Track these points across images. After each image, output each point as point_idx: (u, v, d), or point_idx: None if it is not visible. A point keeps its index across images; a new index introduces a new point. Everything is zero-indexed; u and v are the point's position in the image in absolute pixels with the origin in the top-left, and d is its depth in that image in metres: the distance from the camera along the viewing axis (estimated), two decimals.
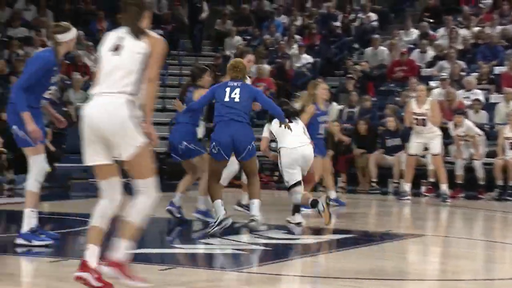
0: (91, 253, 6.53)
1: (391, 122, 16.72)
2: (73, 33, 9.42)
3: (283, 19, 24.29)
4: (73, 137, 18.60)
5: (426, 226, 12.98)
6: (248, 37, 23.80)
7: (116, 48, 6.69)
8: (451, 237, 11.43)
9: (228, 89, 10.71)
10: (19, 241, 9.22)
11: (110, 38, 6.80)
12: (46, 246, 9.25)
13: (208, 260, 9.15)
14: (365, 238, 10.82)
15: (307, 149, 11.63)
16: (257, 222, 10.79)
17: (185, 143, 11.68)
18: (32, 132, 8.99)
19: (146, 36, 6.68)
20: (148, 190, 6.63)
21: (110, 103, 6.58)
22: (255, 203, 10.79)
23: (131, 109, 6.53)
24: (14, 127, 9.17)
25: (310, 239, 10.73)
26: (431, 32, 21.17)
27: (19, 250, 9.05)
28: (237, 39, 23.31)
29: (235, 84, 10.79)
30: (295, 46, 22.14)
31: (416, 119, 14.95)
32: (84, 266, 6.49)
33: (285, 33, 23.29)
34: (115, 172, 6.64)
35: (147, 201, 6.61)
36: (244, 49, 13.66)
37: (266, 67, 20.88)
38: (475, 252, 10.02)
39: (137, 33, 6.68)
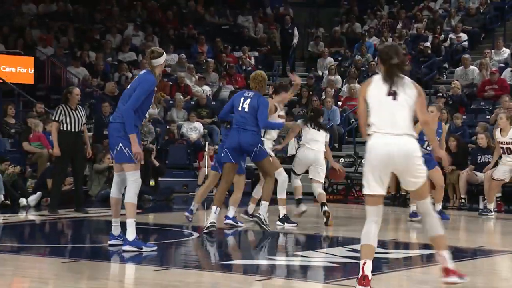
0: (367, 267, 7.30)
1: (482, 140, 16.49)
2: (164, 57, 9.93)
3: (374, 40, 24.15)
4: (174, 153, 18.91)
5: None
6: (339, 58, 23.74)
7: (394, 94, 7.22)
8: None
9: (242, 99, 11.28)
10: (127, 248, 9.43)
11: (382, 84, 7.29)
12: (154, 251, 9.50)
13: (303, 272, 9.01)
14: (457, 254, 10.66)
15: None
16: (260, 220, 11.43)
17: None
18: (137, 153, 9.42)
19: (413, 84, 7.27)
20: (428, 208, 7.49)
21: (405, 143, 7.20)
22: (263, 204, 11.47)
23: (418, 148, 7.30)
24: (120, 144, 9.39)
25: (401, 254, 10.55)
26: None
27: (126, 255, 9.19)
28: (329, 60, 23.31)
29: (249, 94, 11.30)
30: None
31: (502, 148, 14.80)
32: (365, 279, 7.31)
33: (376, 54, 23.17)
34: (382, 201, 7.25)
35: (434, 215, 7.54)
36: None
37: (357, 87, 20.79)
38: None
39: (407, 83, 7.27)
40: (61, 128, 13.81)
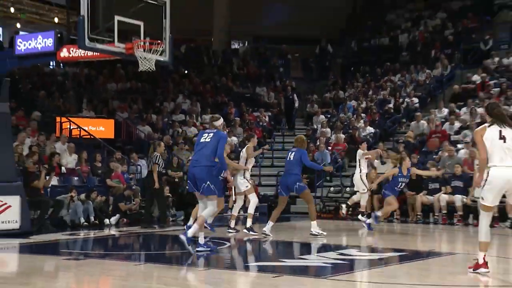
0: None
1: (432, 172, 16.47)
2: (221, 120, 10.43)
3: (353, 103, 24.17)
4: None
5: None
6: (329, 116, 23.75)
7: (503, 138, 7.54)
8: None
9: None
10: (200, 248, 9.67)
11: (496, 131, 7.62)
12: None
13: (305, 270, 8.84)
14: (416, 255, 10.56)
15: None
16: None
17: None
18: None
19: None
20: None
21: None
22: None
23: None
24: (208, 181, 9.54)
25: (375, 256, 10.39)
26: (457, 110, 20.76)
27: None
28: (321, 117, 23.30)
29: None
30: (362, 121, 22.00)
31: None
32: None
33: (354, 112, 23.17)
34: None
35: None
36: (249, 136, 14.35)
37: (342, 136, 20.91)
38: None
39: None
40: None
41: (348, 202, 15.95)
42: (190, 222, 11.59)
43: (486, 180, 7.66)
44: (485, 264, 7.73)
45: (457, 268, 9.10)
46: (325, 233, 12.36)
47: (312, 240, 11.94)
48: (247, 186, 12.90)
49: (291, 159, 12.19)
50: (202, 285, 7.52)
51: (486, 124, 7.87)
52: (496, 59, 23.83)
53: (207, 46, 30.16)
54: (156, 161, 14.77)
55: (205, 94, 25.07)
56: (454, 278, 8.15)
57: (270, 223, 12.23)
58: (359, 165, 15.41)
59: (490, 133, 7.69)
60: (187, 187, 11.76)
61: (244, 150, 13.18)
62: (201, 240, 9.86)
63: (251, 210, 12.89)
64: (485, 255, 7.73)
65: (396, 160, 14.79)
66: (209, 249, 9.84)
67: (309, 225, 12.44)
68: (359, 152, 15.56)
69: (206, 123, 22.19)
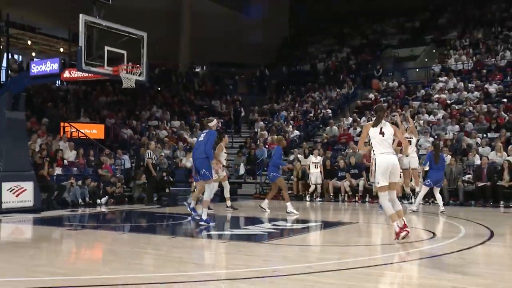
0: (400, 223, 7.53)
1: (340, 163, 16.74)
2: (215, 121, 10.46)
3: (284, 113, 24.35)
4: (179, 174, 18.71)
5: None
6: (266, 122, 23.89)
7: (382, 133, 7.63)
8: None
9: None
10: (202, 223, 9.56)
11: (378, 128, 7.70)
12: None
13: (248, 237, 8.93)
14: (328, 224, 10.75)
15: None
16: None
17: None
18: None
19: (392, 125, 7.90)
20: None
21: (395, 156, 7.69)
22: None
23: None
24: (203, 169, 9.63)
25: (299, 226, 10.51)
26: (358, 119, 21.20)
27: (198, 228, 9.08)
28: (261, 123, 23.42)
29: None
30: (290, 126, 22.23)
31: None
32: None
33: (285, 120, 23.39)
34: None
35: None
36: (221, 135, 13.46)
37: (275, 137, 20.96)
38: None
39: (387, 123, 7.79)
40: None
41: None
42: (191, 204, 10.91)
43: (375, 167, 7.76)
44: (402, 228, 7.57)
45: (356, 233, 9.37)
46: (297, 212, 11.89)
47: (261, 215, 11.98)
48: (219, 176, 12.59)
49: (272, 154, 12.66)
50: (169, 248, 7.57)
51: (371, 122, 7.96)
52: (384, 82, 24.46)
53: (175, 69, 30.02)
54: (149, 156, 14.88)
55: (173, 105, 24.95)
56: (357, 240, 8.39)
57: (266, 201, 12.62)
58: None
59: (373, 130, 7.76)
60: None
61: (217, 147, 12.35)
62: (204, 216, 9.67)
63: (227, 194, 13.14)
64: (398, 222, 7.60)
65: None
66: (208, 223, 9.67)
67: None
68: None
69: (174, 127, 22.16)
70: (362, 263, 6.24)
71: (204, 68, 31.20)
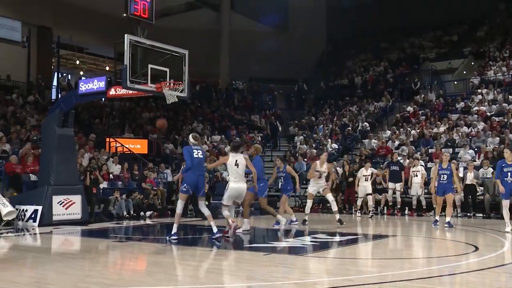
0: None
1: (381, 176, 16.45)
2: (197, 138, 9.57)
3: (322, 126, 24.28)
4: (220, 188, 18.85)
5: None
6: (305, 136, 23.79)
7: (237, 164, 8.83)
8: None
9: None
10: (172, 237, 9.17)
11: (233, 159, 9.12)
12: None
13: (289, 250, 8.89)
14: (369, 237, 10.53)
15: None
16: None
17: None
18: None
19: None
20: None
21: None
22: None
23: None
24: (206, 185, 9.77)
25: (340, 239, 10.33)
26: (397, 132, 20.92)
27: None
28: (300, 138, 23.37)
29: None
30: (329, 140, 22.12)
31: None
32: None
33: (325, 134, 23.26)
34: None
35: None
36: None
37: (314, 151, 20.84)
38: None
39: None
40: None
41: None
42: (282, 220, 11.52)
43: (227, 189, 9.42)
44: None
45: (397, 246, 9.16)
46: (248, 229, 10.95)
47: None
48: None
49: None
50: (209, 260, 7.58)
51: (230, 153, 9.38)
52: (422, 95, 24.08)
53: (215, 85, 30.36)
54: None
55: (213, 120, 25.19)
56: (398, 253, 8.19)
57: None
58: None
59: (230, 159, 9.32)
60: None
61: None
62: (173, 231, 9.22)
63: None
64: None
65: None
66: (175, 238, 9.30)
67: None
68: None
69: (214, 142, 22.33)
70: (401, 277, 6.13)
71: (243, 83, 31.41)
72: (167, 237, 9.34)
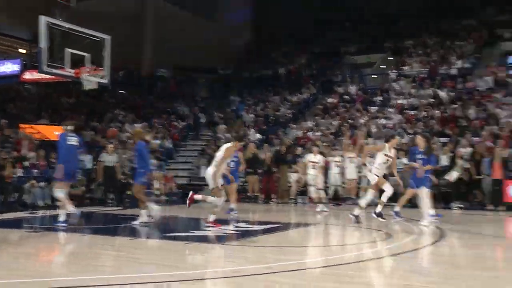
0: None
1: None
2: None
3: (246, 116, 24.29)
4: None
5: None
6: (228, 125, 23.59)
7: None
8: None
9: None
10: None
11: None
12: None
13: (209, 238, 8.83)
14: (289, 226, 10.71)
15: None
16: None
17: None
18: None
19: None
20: None
21: None
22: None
23: None
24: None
25: (261, 227, 10.48)
26: (318, 122, 21.38)
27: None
28: (223, 126, 23.21)
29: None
30: (252, 129, 22.20)
31: None
32: None
33: (248, 123, 23.28)
34: None
35: None
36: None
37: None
38: None
39: None
40: None
41: None
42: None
43: None
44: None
45: (317, 234, 9.36)
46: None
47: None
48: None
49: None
50: (129, 249, 7.46)
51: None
52: (343, 88, 24.75)
53: (138, 72, 29.73)
54: (102, 159, 14.71)
55: (135, 108, 24.66)
56: (317, 241, 8.36)
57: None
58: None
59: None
60: None
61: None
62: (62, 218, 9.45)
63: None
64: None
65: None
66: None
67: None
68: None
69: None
70: (320, 263, 6.30)
71: (168, 72, 30.95)
72: (54, 224, 9.29)
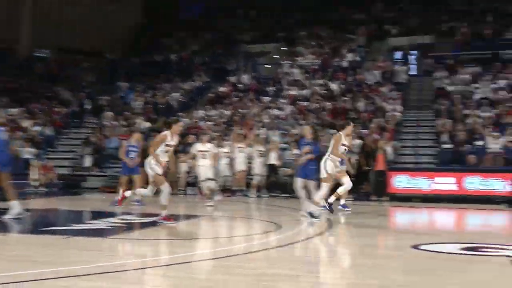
0: None
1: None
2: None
3: (135, 103, 23.74)
4: None
5: None
6: (116, 112, 23.03)
7: None
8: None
9: None
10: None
11: None
12: None
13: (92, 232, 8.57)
14: (179, 217, 10.69)
15: None
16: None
17: None
18: None
19: None
20: None
21: None
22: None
23: None
24: None
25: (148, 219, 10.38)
26: (210, 112, 21.44)
27: None
28: (110, 114, 22.60)
29: None
30: (142, 117, 21.72)
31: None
32: None
33: (137, 111, 22.78)
34: None
35: None
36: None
37: (124, 129, 20.45)
38: None
39: None
40: None
41: None
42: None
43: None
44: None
45: (205, 226, 9.38)
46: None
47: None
48: None
49: None
50: (2, 246, 7.05)
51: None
52: (237, 77, 25.02)
53: (15, 52, 27.96)
54: None
55: (11, 91, 23.22)
56: (204, 233, 8.38)
57: None
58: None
59: None
60: None
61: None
62: None
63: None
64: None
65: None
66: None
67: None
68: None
69: (11, 115, 20.59)
70: (208, 256, 6.34)
71: (49, 53, 29.42)
72: None
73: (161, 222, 9.02)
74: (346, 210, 11.43)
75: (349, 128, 10.15)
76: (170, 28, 32.34)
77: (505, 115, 17.89)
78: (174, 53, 28.82)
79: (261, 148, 16.59)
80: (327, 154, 10.19)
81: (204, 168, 13.01)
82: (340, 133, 10.11)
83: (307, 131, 10.75)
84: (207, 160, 13.05)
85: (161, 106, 23.04)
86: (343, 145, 10.09)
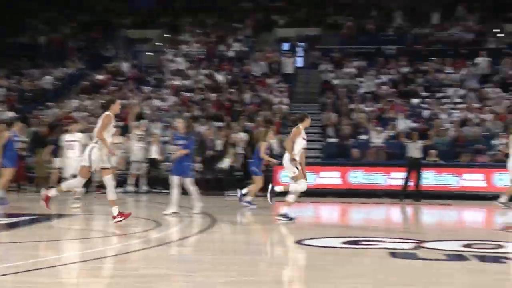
0: None
1: None
2: None
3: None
4: None
5: None
6: None
7: None
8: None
9: None
10: None
11: None
12: None
13: None
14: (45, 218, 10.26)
15: None
16: None
17: None
18: None
19: None
20: None
21: None
22: None
23: None
24: None
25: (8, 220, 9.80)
26: (84, 101, 20.69)
27: None
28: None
29: None
30: (5, 106, 20.51)
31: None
32: None
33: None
34: None
35: None
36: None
37: None
38: None
39: None
40: None
41: None
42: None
43: None
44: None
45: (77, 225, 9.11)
46: None
47: None
48: None
49: None
50: None
51: None
52: (115, 64, 24.35)
53: None
54: None
55: None
56: (76, 234, 8.14)
57: None
58: None
59: None
60: None
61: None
62: None
63: None
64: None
65: None
66: None
67: None
68: None
69: None
70: (76, 258, 6.14)
71: None
72: None
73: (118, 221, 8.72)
74: (251, 206, 12.19)
75: (308, 121, 9.69)
76: (36, 6, 30.65)
77: (388, 110, 19.02)
78: (43, 35, 27.41)
79: (140, 132, 16.35)
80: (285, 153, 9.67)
81: (71, 161, 12.33)
82: (300, 126, 9.58)
83: (180, 124, 10.70)
84: (75, 151, 12.34)
85: (28, 94, 21.84)
86: (304, 138, 9.63)
